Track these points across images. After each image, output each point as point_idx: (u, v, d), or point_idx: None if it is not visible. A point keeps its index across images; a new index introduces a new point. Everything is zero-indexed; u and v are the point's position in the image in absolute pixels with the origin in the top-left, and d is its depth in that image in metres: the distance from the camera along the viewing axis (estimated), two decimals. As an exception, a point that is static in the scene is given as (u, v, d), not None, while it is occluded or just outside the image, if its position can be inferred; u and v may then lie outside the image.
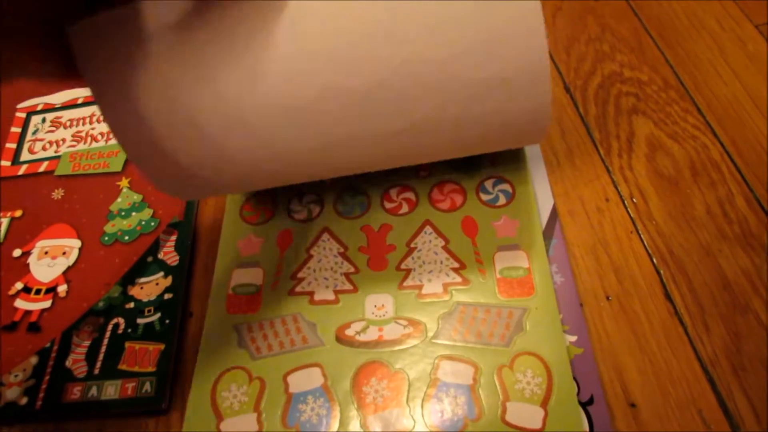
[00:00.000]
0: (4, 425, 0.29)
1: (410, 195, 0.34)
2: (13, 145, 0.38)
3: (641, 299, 0.31)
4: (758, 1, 0.42)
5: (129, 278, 0.32)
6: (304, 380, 0.28)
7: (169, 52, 0.22)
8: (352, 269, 0.31)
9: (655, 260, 0.32)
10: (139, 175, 0.36)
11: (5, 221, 0.34)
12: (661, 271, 0.32)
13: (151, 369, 0.29)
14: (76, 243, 0.33)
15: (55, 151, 0.37)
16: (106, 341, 0.30)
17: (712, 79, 0.39)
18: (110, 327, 0.30)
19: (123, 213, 0.34)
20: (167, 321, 0.30)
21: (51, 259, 0.33)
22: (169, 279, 0.32)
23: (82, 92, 0.40)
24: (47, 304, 0.31)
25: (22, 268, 0.33)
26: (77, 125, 0.38)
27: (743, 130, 0.36)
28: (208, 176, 0.24)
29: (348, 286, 0.31)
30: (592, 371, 0.28)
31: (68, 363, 0.29)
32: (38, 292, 0.32)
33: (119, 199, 0.35)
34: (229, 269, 0.31)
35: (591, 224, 0.33)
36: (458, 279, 0.30)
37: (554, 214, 0.33)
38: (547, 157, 0.36)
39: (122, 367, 0.29)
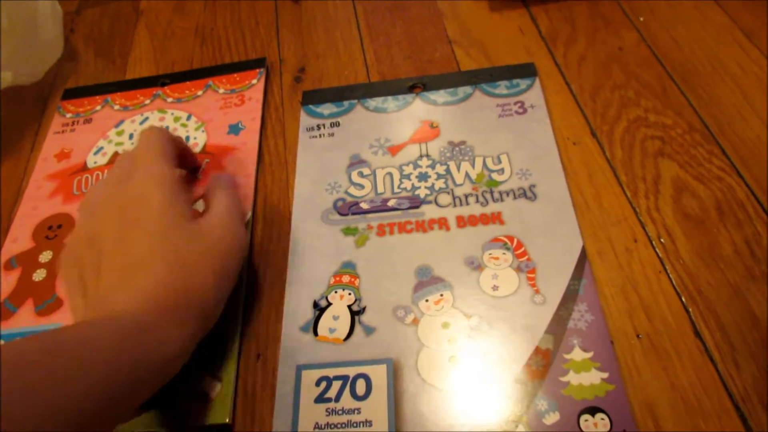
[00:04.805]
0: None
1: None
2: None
3: (671, 337, 0.32)
4: (779, 45, 0.44)
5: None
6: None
7: None
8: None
9: (683, 299, 0.33)
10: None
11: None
12: (690, 310, 0.32)
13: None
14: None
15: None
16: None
17: (736, 122, 0.40)
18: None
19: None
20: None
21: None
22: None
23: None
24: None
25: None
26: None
27: (768, 171, 0.37)
28: None
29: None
30: (624, 407, 0.29)
31: None
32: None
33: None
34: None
35: (620, 264, 0.35)
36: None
37: (583, 255, 0.34)
38: (576, 200, 0.37)
39: None
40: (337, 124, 0.43)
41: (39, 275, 0.38)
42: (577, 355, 0.31)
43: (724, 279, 0.33)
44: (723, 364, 0.30)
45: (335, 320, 0.33)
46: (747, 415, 0.29)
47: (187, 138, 0.44)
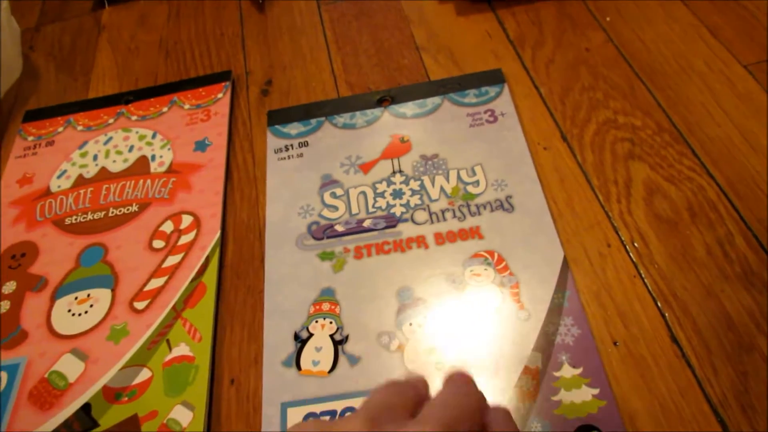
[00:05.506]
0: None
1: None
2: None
3: (648, 343, 0.32)
4: (745, 42, 0.44)
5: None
6: None
7: None
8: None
9: (659, 303, 0.33)
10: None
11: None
12: (666, 314, 0.32)
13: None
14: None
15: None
16: None
17: (705, 121, 0.40)
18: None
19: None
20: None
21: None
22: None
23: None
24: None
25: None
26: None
27: (738, 169, 0.38)
28: None
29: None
30: (617, 422, 0.29)
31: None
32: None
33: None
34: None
35: (594, 270, 0.34)
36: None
37: (565, 265, 0.34)
38: (548, 206, 0.37)
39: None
40: (306, 144, 0.42)
41: (3, 307, 0.37)
42: (567, 371, 0.30)
43: (698, 281, 0.33)
44: (700, 369, 0.30)
45: (318, 352, 0.32)
46: (726, 420, 0.29)
47: (153, 157, 0.43)
